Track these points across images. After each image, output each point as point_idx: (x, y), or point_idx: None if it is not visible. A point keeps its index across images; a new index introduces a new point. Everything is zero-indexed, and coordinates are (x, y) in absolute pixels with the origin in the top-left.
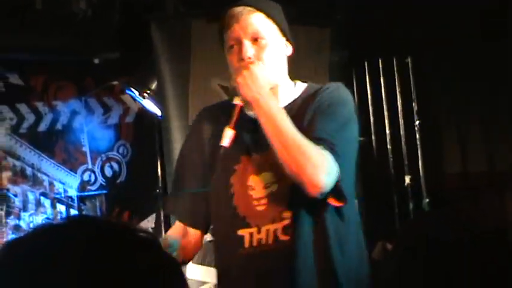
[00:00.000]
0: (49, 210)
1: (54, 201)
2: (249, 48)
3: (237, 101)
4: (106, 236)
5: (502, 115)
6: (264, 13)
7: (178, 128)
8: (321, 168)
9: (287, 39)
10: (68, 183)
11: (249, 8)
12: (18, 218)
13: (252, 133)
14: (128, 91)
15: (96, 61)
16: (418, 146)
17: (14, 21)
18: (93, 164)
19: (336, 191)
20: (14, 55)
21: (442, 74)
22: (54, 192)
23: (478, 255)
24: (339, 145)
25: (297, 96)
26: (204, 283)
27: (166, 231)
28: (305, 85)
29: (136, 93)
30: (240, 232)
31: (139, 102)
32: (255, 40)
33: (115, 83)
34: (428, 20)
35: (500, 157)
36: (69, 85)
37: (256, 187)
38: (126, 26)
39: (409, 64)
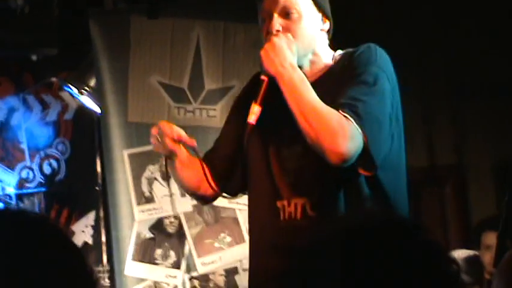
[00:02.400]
0: None
1: None
2: (277, 22)
3: (263, 76)
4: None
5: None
6: None
7: (117, 125)
8: (341, 134)
9: (324, 15)
10: (6, 181)
11: None
12: None
13: (282, 105)
14: (66, 88)
15: (34, 57)
16: None
17: None
18: (32, 161)
19: (363, 156)
20: None
21: None
22: None
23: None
24: (361, 106)
25: (328, 69)
26: (143, 280)
27: (106, 228)
28: (342, 52)
29: (75, 90)
30: (278, 203)
31: (78, 99)
32: (286, 14)
33: (53, 79)
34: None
35: (440, 153)
36: (7, 81)
37: (288, 159)
38: (64, 21)
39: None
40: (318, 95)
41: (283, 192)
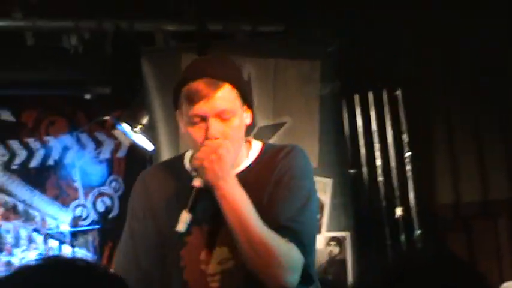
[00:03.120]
0: (41, 246)
1: (46, 237)
2: (216, 127)
3: (196, 183)
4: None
5: (494, 145)
6: (230, 82)
7: None
8: (288, 268)
9: (248, 105)
10: (60, 218)
11: (215, 81)
12: (10, 254)
13: (203, 202)
14: (119, 126)
15: (88, 96)
16: (409, 177)
17: (5, 57)
18: (85, 199)
19: (305, 277)
20: (5, 91)
21: (433, 105)
22: (46, 228)
23: None
24: (303, 231)
25: (251, 161)
26: None
27: None
28: (260, 146)
29: (128, 128)
30: None
31: (130, 137)
32: (221, 117)
33: (106, 118)
34: (419, 51)
35: (493, 187)
36: (61, 120)
37: (209, 262)
38: (117, 60)
39: (399, 96)
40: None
41: None
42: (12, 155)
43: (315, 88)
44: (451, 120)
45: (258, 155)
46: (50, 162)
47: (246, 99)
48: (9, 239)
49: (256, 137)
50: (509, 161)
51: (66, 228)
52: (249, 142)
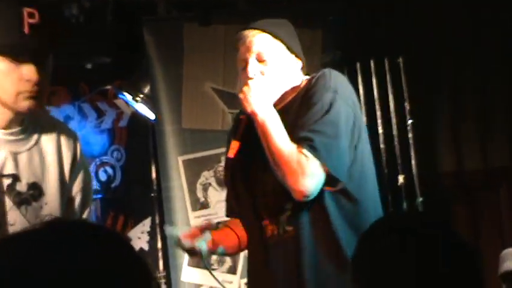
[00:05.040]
0: None
1: None
2: (253, 67)
3: (241, 115)
4: (78, 237)
5: (495, 113)
6: (270, 33)
7: (172, 132)
8: (300, 174)
9: (296, 56)
10: None
11: (255, 31)
12: None
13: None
14: (121, 95)
15: (89, 66)
16: (411, 146)
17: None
18: None
19: (328, 179)
20: None
21: (434, 73)
22: None
23: None
24: (317, 139)
25: (294, 95)
26: (199, 286)
27: (161, 234)
28: (305, 78)
29: (130, 97)
30: (263, 222)
31: (132, 106)
32: (259, 58)
33: (108, 87)
34: (420, 19)
35: (495, 155)
36: (63, 90)
37: (265, 182)
38: (118, 30)
39: (401, 64)
40: (287, 121)
41: (263, 213)
42: None
43: (316, 57)
44: (453, 88)
45: (304, 85)
46: None
47: (293, 50)
48: None
49: None
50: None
51: None
52: (302, 81)
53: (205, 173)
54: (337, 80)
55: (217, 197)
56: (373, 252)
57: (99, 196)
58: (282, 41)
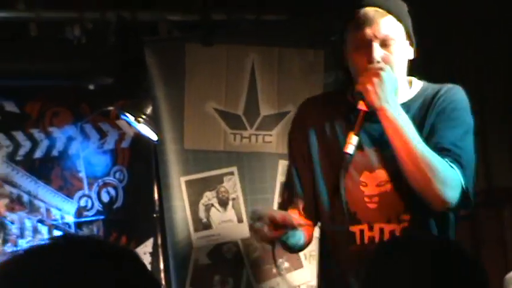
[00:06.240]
0: (46, 237)
1: (51, 228)
2: (378, 51)
3: (362, 106)
4: (94, 254)
5: (499, 133)
6: (395, 16)
7: (174, 152)
8: (448, 185)
9: (410, 42)
10: (65, 209)
11: (381, 11)
12: (16, 245)
13: (365, 125)
14: (123, 116)
15: (91, 87)
16: None
17: (8, 48)
18: (90, 189)
19: (465, 201)
20: (8, 82)
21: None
22: (51, 219)
23: None
24: (463, 155)
25: (413, 95)
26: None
27: (163, 255)
28: (421, 84)
29: (132, 118)
30: (352, 228)
31: (134, 127)
32: (384, 43)
33: (110, 108)
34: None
35: (499, 176)
36: (65, 111)
37: (368, 184)
38: (120, 51)
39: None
40: None
41: (362, 217)
42: (17, 146)
43: (318, 77)
44: None
45: (420, 90)
46: (55, 153)
47: (410, 36)
48: (14, 230)
49: (260, 126)
50: None
51: (70, 219)
52: (410, 80)
53: (208, 194)
54: (467, 102)
55: (220, 218)
56: (385, 272)
57: (102, 217)
58: (404, 25)
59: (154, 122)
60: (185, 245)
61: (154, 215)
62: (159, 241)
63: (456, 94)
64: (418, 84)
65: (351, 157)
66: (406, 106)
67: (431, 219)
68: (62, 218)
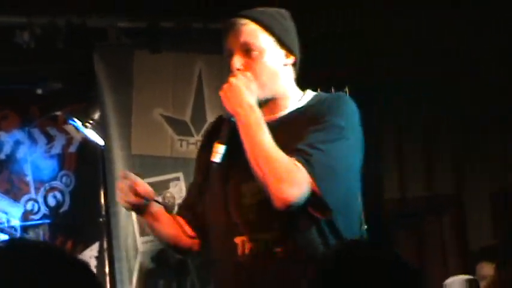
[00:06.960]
0: None
1: None
2: (237, 60)
3: (224, 116)
4: (45, 257)
5: (441, 143)
6: (259, 24)
7: (121, 158)
8: (286, 180)
9: (287, 50)
10: (11, 213)
11: (243, 20)
12: None
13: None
14: (71, 121)
15: (40, 91)
16: None
17: None
18: (37, 193)
19: (316, 202)
20: None
21: (380, 102)
22: None
23: None
24: (316, 155)
25: (301, 106)
26: None
27: (109, 260)
28: (313, 94)
29: (79, 123)
30: (235, 240)
31: (82, 132)
32: (246, 51)
33: (58, 113)
34: (362, 51)
35: (440, 182)
36: (13, 115)
37: (247, 195)
38: (69, 56)
39: (347, 93)
40: (281, 134)
41: (242, 228)
42: None
43: None
44: (398, 118)
45: (310, 100)
46: (2, 156)
47: (283, 44)
48: None
49: None
50: (455, 156)
51: (17, 222)
52: (304, 91)
53: None
54: (350, 109)
55: None
56: (325, 282)
57: (48, 221)
58: (272, 34)
59: (102, 127)
60: (130, 250)
61: (101, 220)
62: (105, 245)
63: (336, 101)
64: (310, 95)
65: (218, 166)
66: (291, 116)
67: (297, 227)
68: (8, 221)
